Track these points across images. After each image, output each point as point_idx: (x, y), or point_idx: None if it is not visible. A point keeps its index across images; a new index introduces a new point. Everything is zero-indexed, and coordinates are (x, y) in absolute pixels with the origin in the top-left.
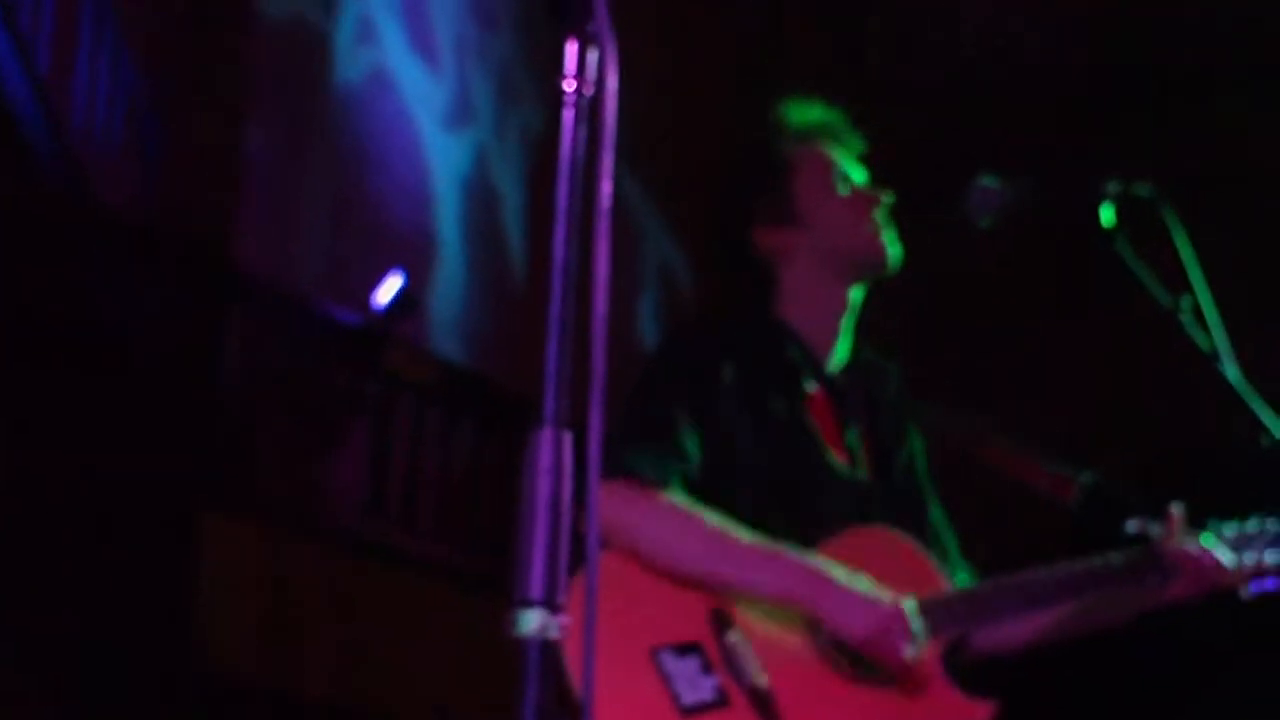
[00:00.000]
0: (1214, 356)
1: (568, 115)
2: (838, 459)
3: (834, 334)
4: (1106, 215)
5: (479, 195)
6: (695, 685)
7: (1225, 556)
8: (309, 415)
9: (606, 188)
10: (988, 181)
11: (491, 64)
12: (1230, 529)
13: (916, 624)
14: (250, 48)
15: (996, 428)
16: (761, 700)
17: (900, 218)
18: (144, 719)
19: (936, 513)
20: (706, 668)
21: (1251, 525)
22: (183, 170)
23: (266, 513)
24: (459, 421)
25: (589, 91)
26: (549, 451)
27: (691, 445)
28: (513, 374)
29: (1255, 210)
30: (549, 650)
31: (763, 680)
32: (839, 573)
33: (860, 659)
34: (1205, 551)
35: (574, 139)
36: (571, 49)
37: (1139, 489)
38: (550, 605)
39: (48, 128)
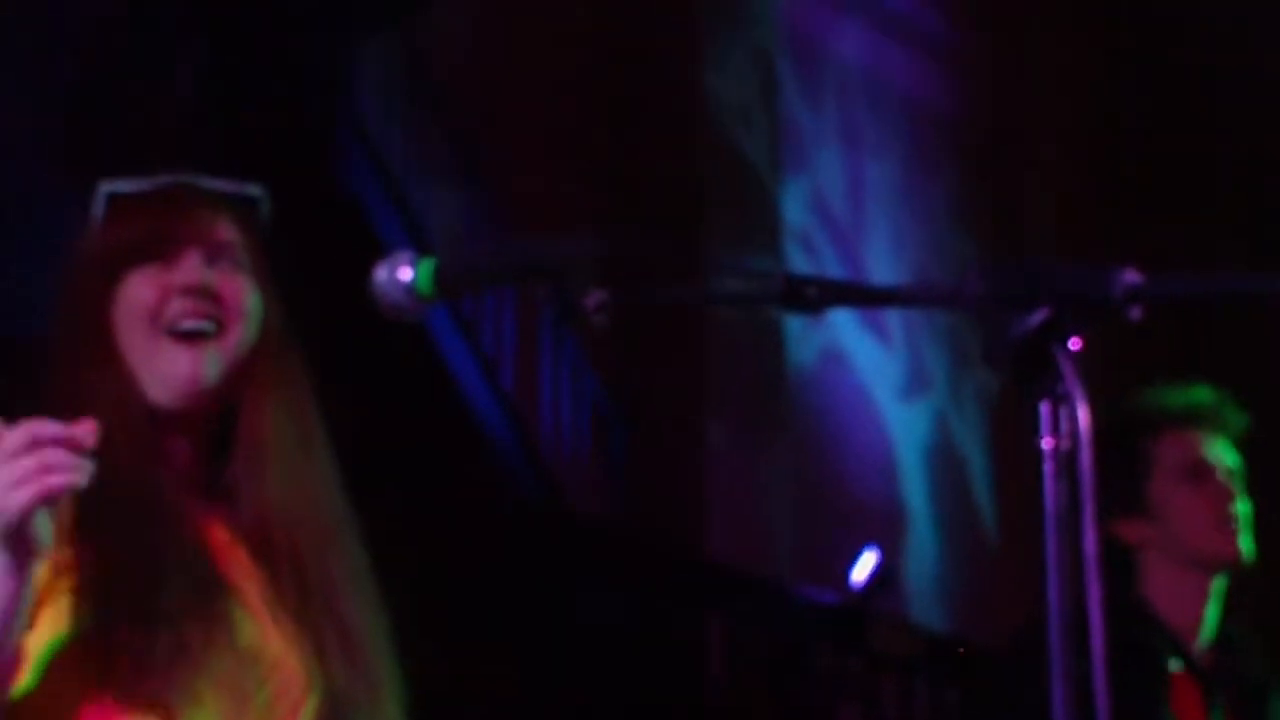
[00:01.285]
0: None
1: (1048, 469)
2: None
3: (1198, 620)
4: None
5: (943, 461)
6: None
7: None
8: (797, 700)
9: (1091, 535)
10: None
11: (942, 333)
12: None
13: None
14: (706, 345)
15: None
16: None
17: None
18: None
19: None
20: None
21: None
22: (650, 472)
23: None
24: (944, 692)
25: (1065, 446)
26: None
27: None
28: (993, 635)
29: None
30: None
31: None
32: None
33: None
34: None
35: (1055, 492)
36: (1045, 409)
37: None
38: None
39: (517, 441)
